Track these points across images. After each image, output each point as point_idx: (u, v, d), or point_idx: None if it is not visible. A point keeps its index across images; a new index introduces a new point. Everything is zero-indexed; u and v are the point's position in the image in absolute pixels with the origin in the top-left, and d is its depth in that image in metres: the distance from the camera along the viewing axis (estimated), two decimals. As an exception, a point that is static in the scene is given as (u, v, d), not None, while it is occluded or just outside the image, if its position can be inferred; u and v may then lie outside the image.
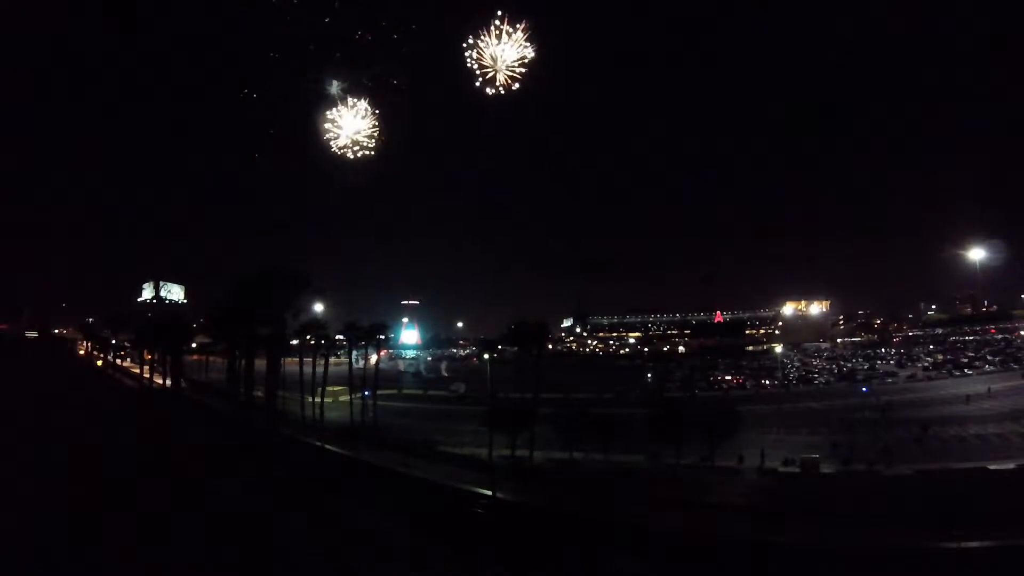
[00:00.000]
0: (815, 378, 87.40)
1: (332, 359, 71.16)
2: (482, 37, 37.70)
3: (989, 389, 63.22)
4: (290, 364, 70.12)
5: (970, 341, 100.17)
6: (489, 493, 36.39)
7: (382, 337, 77.33)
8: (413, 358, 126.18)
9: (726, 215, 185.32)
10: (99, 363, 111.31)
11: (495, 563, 23.77)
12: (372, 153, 42.20)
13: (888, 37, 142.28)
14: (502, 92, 38.03)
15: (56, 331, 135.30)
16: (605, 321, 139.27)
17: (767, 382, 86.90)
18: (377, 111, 41.97)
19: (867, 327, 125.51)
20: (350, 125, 41.42)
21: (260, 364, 60.18)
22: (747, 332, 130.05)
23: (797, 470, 43.50)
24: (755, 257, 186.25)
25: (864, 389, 70.43)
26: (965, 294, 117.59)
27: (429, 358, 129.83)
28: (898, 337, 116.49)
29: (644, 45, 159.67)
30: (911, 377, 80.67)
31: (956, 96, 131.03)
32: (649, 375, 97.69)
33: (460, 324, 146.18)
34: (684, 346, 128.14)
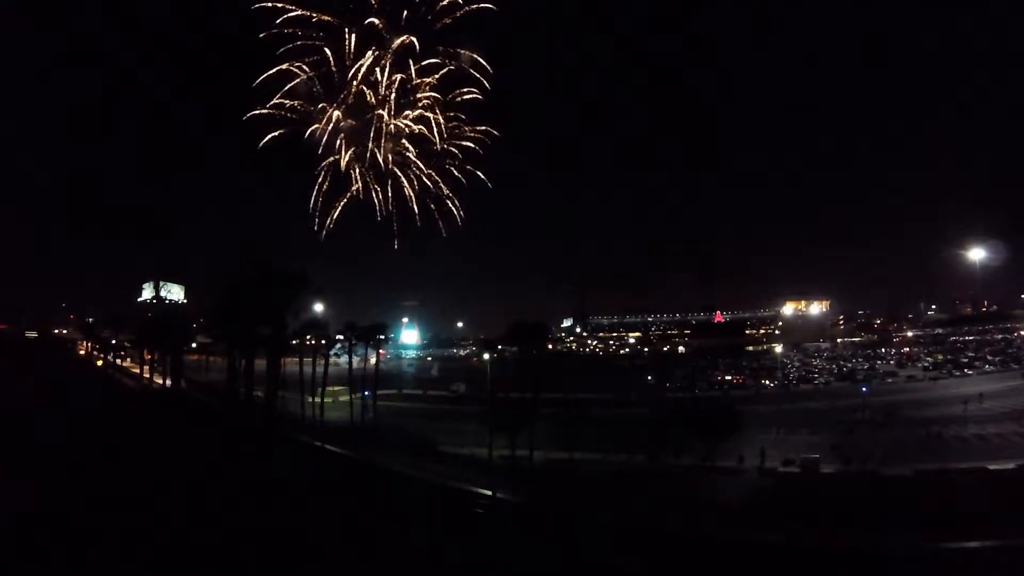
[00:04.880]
0: (815, 378, 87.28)
1: (332, 359, 71.26)
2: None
3: (981, 395, 61.82)
4: (290, 364, 70.19)
5: (970, 341, 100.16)
6: (489, 493, 36.41)
7: (382, 337, 77.42)
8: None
9: (726, 215, 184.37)
10: (99, 363, 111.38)
11: (495, 563, 23.76)
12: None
13: (887, 36, 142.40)
14: None
15: (56, 331, 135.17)
16: (605, 321, 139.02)
17: (767, 382, 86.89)
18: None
19: (867, 327, 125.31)
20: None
21: (260, 364, 60.23)
22: (747, 332, 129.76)
23: (797, 470, 43.56)
24: (755, 257, 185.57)
25: (864, 389, 70.47)
26: (965, 294, 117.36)
27: (430, 358, 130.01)
28: (898, 337, 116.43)
29: (641, 44, 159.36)
30: (911, 377, 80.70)
31: (956, 95, 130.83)
32: (649, 375, 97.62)
33: (460, 324, 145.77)
34: (684, 346, 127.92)
